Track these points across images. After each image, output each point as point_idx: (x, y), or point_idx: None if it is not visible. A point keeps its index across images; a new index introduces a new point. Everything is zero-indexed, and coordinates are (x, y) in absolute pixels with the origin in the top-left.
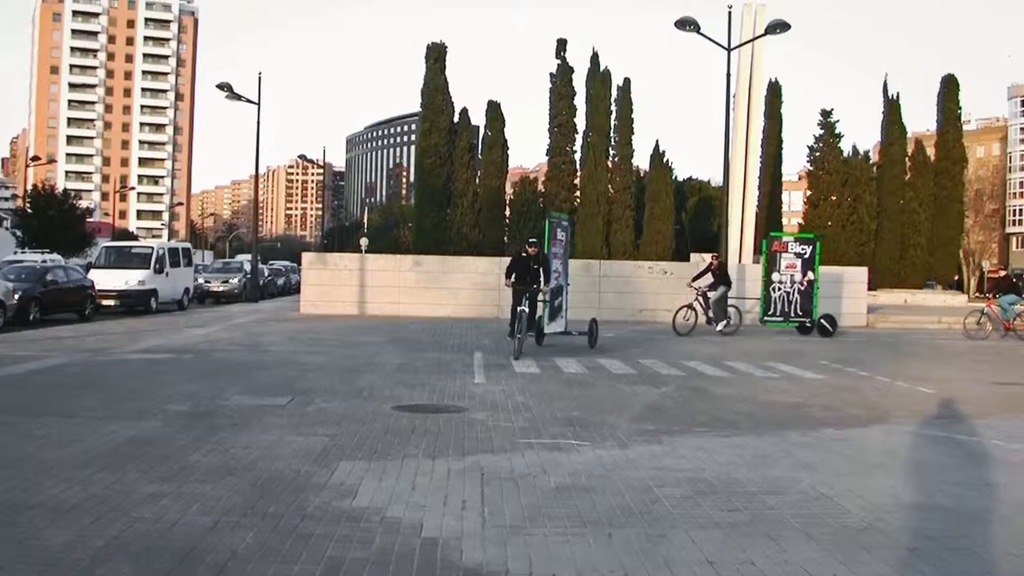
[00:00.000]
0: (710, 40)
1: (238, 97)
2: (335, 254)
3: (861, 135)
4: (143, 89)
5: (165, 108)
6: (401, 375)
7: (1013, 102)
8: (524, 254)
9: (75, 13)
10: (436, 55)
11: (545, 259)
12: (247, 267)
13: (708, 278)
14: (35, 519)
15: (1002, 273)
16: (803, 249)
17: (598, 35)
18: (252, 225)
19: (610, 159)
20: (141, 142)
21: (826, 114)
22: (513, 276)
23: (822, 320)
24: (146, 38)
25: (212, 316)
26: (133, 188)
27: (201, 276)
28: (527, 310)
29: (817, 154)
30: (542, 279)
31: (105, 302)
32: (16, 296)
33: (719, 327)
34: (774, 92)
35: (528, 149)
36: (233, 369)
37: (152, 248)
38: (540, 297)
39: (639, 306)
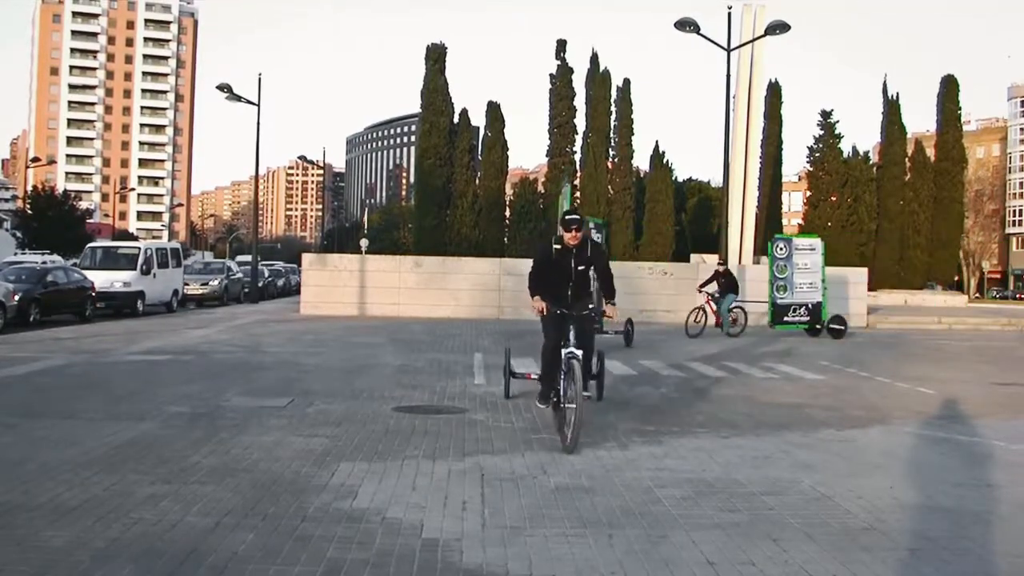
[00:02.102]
0: (710, 41)
1: (238, 98)
2: (335, 255)
3: (861, 135)
4: (143, 90)
5: (165, 109)
6: (401, 376)
7: (1013, 102)
8: (559, 246)
9: (75, 14)
10: (436, 56)
11: (597, 249)
12: (233, 267)
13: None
14: (35, 520)
15: (721, 268)
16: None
17: (598, 36)
18: (252, 226)
19: (610, 160)
20: (141, 143)
21: (826, 114)
22: (540, 288)
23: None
24: (146, 39)
25: (210, 318)
26: (133, 189)
27: None
28: (578, 352)
29: (817, 155)
30: (593, 289)
31: None
32: (16, 297)
33: None
34: (774, 93)
35: (528, 150)
36: (233, 370)
37: (139, 249)
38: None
39: (639, 307)
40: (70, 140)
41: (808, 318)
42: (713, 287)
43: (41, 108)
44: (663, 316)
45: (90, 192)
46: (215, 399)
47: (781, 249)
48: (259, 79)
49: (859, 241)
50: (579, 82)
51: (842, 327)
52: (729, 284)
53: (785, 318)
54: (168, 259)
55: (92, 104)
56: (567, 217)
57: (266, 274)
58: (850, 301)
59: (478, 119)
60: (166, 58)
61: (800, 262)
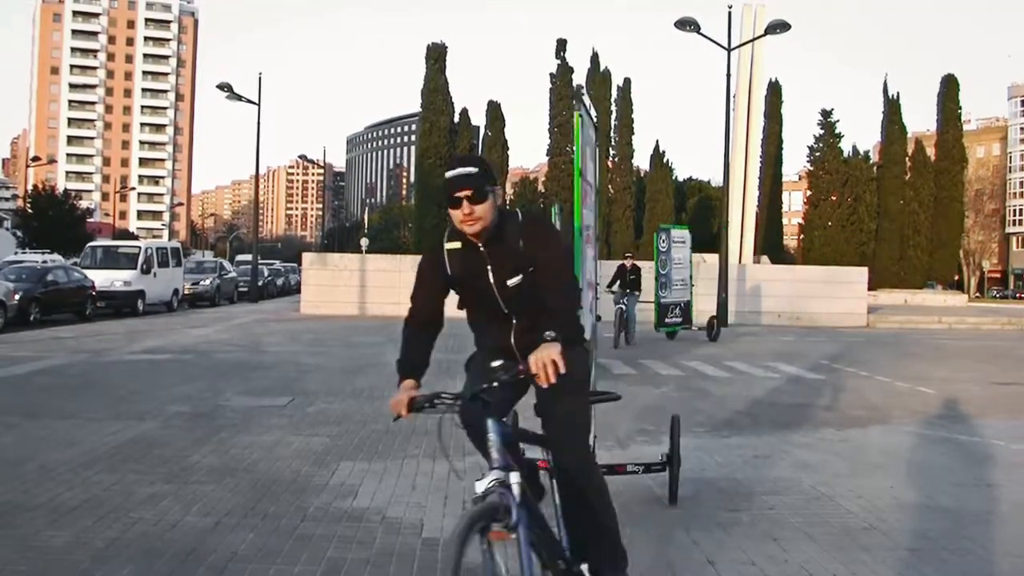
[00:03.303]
0: (710, 40)
1: (238, 97)
2: (335, 254)
3: (861, 135)
4: (143, 89)
5: (165, 108)
6: None
7: (1013, 102)
8: (456, 244)
9: (75, 13)
10: (436, 56)
11: (535, 228)
12: (226, 266)
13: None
14: (36, 520)
15: (628, 264)
16: None
17: (598, 35)
18: (252, 225)
19: (610, 159)
20: (141, 142)
21: (826, 114)
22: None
23: None
24: (146, 38)
25: (210, 317)
26: (133, 188)
27: None
28: (514, 482)
29: (817, 154)
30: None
31: None
32: (16, 296)
33: None
34: (774, 92)
35: (528, 149)
36: (233, 370)
37: (139, 248)
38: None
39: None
40: (70, 139)
41: (681, 319)
42: (617, 286)
43: (41, 107)
44: None
45: (90, 191)
46: (215, 399)
47: (663, 242)
48: (259, 79)
49: (859, 240)
50: (579, 81)
51: (716, 329)
52: (637, 282)
53: (666, 319)
54: (168, 258)
55: (92, 103)
56: (451, 174)
57: (265, 273)
58: (850, 301)
59: (478, 119)
60: (166, 57)
61: (676, 256)
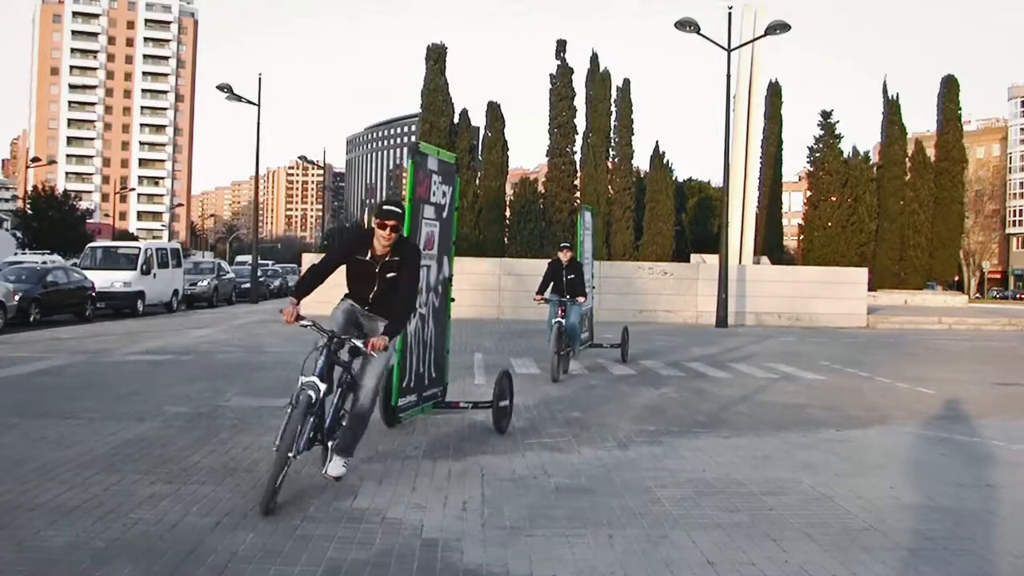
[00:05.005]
0: (710, 41)
1: (238, 98)
2: None
3: (861, 135)
4: (143, 90)
5: (165, 109)
6: None
7: (1013, 102)
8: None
9: (75, 14)
10: (436, 56)
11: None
12: (224, 267)
13: None
14: (36, 520)
15: (565, 258)
16: None
17: (598, 36)
18: (252, 226)
19: (610, 160)
20: (141, 143)
21: (826, 115)
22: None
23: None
24: (146, 39)
25: (210, 318)
26: (133, 189)
27: None
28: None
29: (817, 155)
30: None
31: None
32: (16, 297)
33: None
34: (774, 93)
35: (528, 150)
36: (233, 370)
37: (139, 249)
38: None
39: (639, 307)
40: (70, 140)
41: (587, 332)
42: (551, 291)
43: (41, 108)
44: (663, 316)
45: (90, 192)
46: (215, 399)
47: (583, 228)
48: (259, 79)
49: (859, 241)
50: (579, 82)
51: (626, 345)
52: (579, 284)
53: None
54: (168, 259)
55: (92, 104)
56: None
57: (258, 274)
58: (850, 301)
59: (478, 119)
60: (166, 58)
61: (587, 248)
